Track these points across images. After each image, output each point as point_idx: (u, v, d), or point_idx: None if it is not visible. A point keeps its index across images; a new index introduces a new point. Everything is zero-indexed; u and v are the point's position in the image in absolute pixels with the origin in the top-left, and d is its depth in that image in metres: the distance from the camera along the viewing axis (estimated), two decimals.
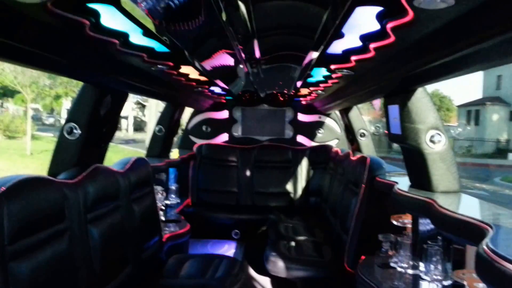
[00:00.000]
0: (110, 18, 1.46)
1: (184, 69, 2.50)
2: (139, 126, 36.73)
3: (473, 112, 33.69)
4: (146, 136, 19.70)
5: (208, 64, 2.40)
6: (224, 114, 5.15)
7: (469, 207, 1.99)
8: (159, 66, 2.30)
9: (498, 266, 1.03)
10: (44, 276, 1.62)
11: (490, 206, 1.98)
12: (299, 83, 3.20)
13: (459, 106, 37.67)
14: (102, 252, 2.09)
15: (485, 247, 1.14)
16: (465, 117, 34.59)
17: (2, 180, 1.56)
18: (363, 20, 1.42)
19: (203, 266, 2.90)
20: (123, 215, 2.43)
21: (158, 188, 3.36)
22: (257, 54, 2.16)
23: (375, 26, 1.47)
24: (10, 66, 18.84)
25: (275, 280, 3.62)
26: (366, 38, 1.65)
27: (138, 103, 35.00)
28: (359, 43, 1.73)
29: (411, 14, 1.26)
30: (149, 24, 1.50)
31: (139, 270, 2.53)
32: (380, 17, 1.37)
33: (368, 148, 4.52)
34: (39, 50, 1.56)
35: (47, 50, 1.60)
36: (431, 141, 2.16)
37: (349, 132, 4.75)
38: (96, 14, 1.41)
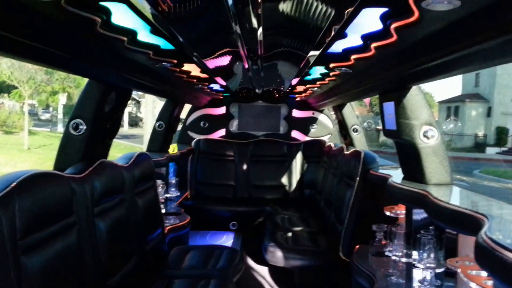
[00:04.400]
0: (120, 15, 1.47)
1: (187, 66, 2.54)
2: (134, 121, 37.00)
3: (452, 108, 34.57)
4: (142, 132, 19.82)
5: (210, 62, 2.43)
6: (221, 110, 5.22)
7: (462, 198, 2.03)
8: (164, 63, 2.34)
9: (498, 254, 1.07)
10: (55, 268, 1.64)
11: (482, 197, 2.01)
12: (295, 81, 3.23)
13: (440, 102, 38.40)
14: (109, 245, 2.12)
15: (484, 236, 1.16)
16: (446, 113, 35.39)
17: (11, 176, 1.56)
18: (367, 20, 1.43)
19: (205, 257, 2.96)
20: (128, 208, 2.47)
21: (159, 182, 3.40)
22: (260, 51, 2.17)
23: (378, 26, 1.48)
24: (7, 62, 18.53)
25: (273, 269, 3.71)
26: (368, 38, 1.66)
27: (132, 99, 34.82)
28: (360, 42, 1.75)
29: (416, 14, 1.28)
30: (158, 21, 1.52)
31: (143, 261, 2.57)
32: (384, 17, 1.39)
33: (360, 142, 4.62)
34: (48, 47, 1.56)
35: (57, 47, 1.61)
36: (425, 136, 2.23)
37: (342, 127, 4.85)
38: (107, 12, 1.42)
